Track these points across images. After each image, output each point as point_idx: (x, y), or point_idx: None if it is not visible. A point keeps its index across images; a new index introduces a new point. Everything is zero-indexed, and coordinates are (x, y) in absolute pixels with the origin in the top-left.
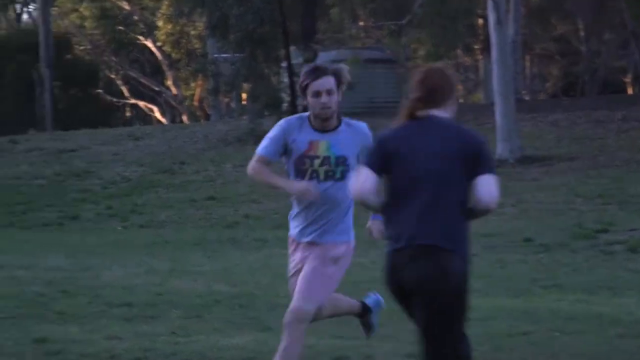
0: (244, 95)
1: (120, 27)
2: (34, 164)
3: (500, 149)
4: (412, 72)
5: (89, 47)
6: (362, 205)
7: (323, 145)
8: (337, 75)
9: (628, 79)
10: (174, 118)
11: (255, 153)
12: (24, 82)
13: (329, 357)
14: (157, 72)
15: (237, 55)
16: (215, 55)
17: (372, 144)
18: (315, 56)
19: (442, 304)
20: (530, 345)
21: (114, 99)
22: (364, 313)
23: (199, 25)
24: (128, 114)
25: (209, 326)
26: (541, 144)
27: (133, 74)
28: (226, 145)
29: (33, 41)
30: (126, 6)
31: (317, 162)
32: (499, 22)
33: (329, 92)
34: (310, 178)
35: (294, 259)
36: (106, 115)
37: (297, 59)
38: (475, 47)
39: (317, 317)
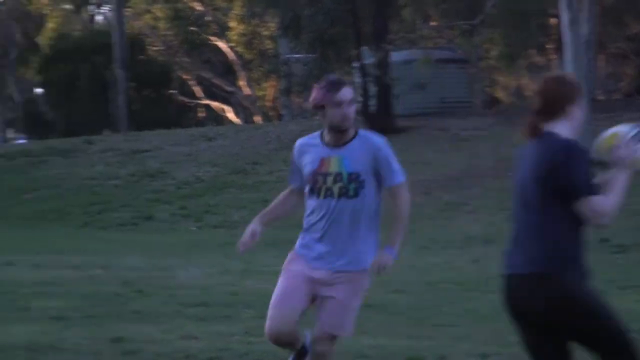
0: None
1: (193, 28)
2: (109, 165)
3: None
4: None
5: (162, 47)
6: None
7: (335, 162)
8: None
9: None
10: (246, 118)
11: None
12: (99, 83)
13: (402, 357)
14: (229, 73)
15: (309, 55)
16: (287, 56)
17: (387, 157)
18: (387, 56)
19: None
20: None
21: (187, 100)
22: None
23: (271, 25)
24: (201, 114)
25: None
26: None
27: (205, 74)
28: None
29: (107, 42)
30: (199, 7)
31: (329, 179)
32: (573, 21)
33: (349, 103)
34: (325, 196)
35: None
36: (179, 115)
37: (368, 59)
38: (548, 46)
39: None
